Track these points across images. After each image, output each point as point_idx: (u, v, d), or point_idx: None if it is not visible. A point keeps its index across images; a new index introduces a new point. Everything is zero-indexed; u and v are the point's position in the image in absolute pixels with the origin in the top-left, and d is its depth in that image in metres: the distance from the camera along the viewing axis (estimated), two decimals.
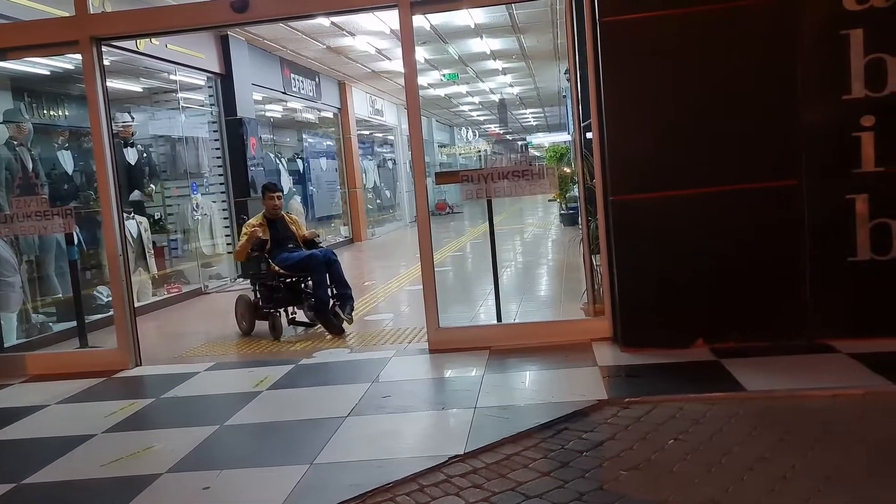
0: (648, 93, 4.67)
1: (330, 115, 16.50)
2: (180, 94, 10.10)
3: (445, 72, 16.16)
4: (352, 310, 6.39)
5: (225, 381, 4.98)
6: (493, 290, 5.66)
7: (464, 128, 32.76)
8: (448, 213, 24.69)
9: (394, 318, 6.86)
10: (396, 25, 5.27)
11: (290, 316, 6.58)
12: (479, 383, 4.36)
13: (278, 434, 3.79)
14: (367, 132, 20.47)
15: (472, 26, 11.95)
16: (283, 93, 13.20)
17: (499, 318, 5.60)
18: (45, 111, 9.06)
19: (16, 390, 5.16)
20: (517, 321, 5.57)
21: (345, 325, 6.23)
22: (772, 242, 4.62)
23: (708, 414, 3.57)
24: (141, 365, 5.53)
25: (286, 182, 14.84)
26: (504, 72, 17.35)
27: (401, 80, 16.66)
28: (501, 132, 37.69)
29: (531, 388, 4.28)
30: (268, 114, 14.89)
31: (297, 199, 14.73)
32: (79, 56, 5.34)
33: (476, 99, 22.92)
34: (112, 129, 5.55)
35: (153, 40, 8.77)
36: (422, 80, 17.07)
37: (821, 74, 4.46)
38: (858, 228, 4.47)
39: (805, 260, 4.57)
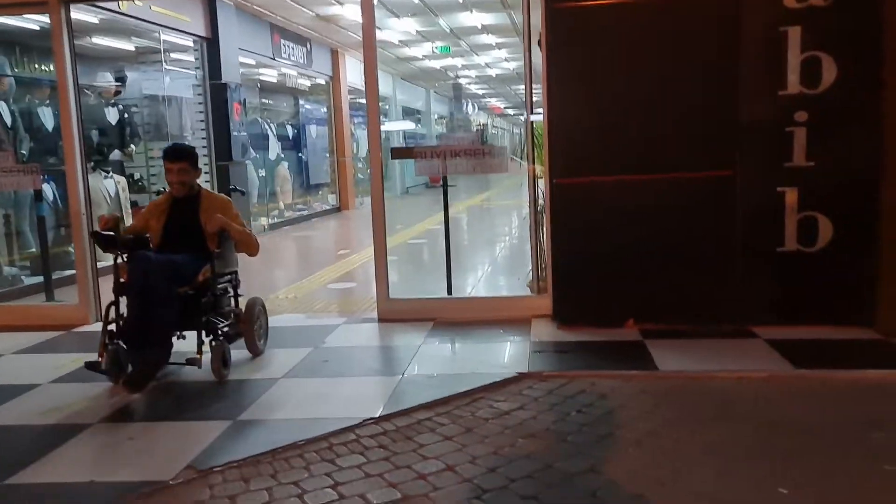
0: (590, 80, 4.81)
1: (321, 82, 16.56)
2: (165, 56, 10.19)
3: (438, 44, 16.19)
4: (145, 374, 3.97)
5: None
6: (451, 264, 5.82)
7: (464, 100, 32.75)
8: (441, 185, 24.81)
9: (355, 287, 7.04)
10: None
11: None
12: (415, 352, 4.56)
13: (211, 391, 3.99)
14: (361, 101, 20.48)
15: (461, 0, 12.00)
16: (272, 58, 13.27)
17: (449, 291, 5.77)
18: (34, 66, 9.14)
19: None
20: (465, 296, 5.75)
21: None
22: (705, 230, 4.78)
23: (616, 390, 3.76)
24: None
25: (275, 148, 14.97)
26: (498, 46, 17.36)
27: (394, 50, 16.84)
28: (503, 107, 37.67)
29: (461, 359, 4.48)
30: (260, 79, 14.97)
31: (285, 164, 14.86)
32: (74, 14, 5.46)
33: (472, 73, 22.91)
34: (78, 89, 5.67)
35: (137, 1, 8.84)
36: (414, 51, 17.12)
37: (760, 69, 4.59)
38: (787, 220, 4.63)
39: (736, 248, 4.74)
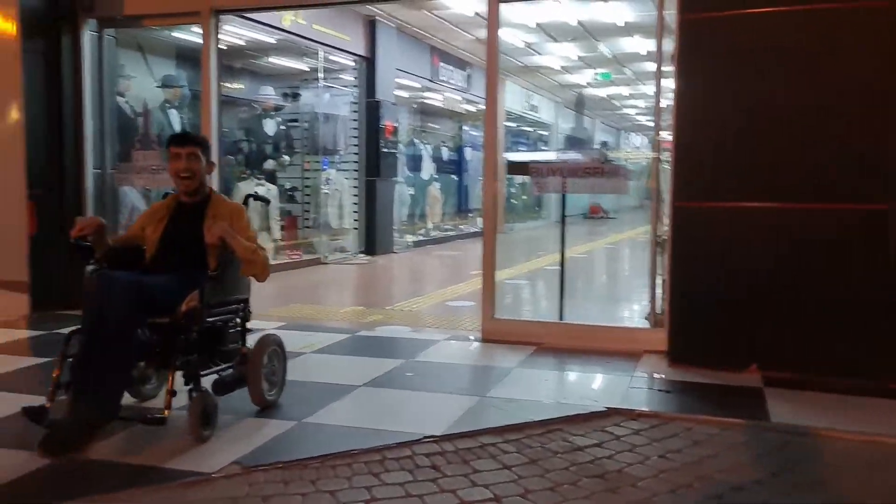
0: (723, 95, 4.38)
1: (481, 107, 16.67)
2: (324, 73, 10.65)
3: (599, 71, 15.82)
4: (68, 437, 2.98)
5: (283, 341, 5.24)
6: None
7: (632, 132, 31.87)
8: (601, 217, 24.21)
9: (473, 306, 6.88)
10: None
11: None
12: (505, 375, 4.32)
13: (291, 391, 3.96)
14: (516, 126, 20.40)
15: (622, 24, 11.62)
16: (430, 80, 13.53)
17: (560, 316, 5.46)
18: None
19: None
20: (573, 322, 5.42)
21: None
22: (851, 271, 4.18)
23: (713, 438, 3.32)
24: None
25: (429, 168, 15.25)
26: (665, 75, 16.65)
27: (556, 76, 16.65)
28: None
29: (550, 387, 4.17)
30: (418, 100, 15.35)
31: (437, 185, 15.06)
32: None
33: (640, 103, 22.23)
34: (220, 96, 5.98)
35: (300, 20, 9.31)
36: (576, 77, 16.85)
37: None
38: None
39: (886, 295, 4.09)
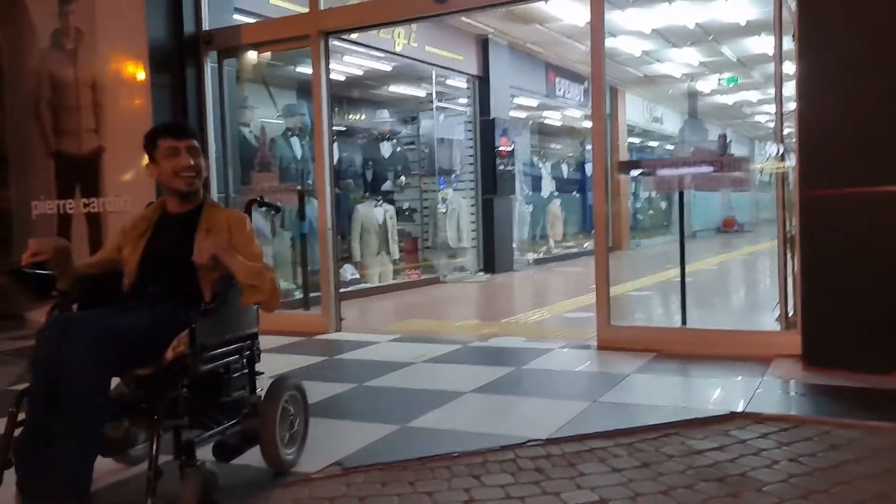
0: (857, 57, 3.98)
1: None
2: (437, 95, 10.77)
3: (725, 75, 15.11)
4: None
5: (394, 351, 5.23)
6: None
7: (767, 142, 30.30)
8: (735, 230, 23.07)
9: (592, 318, 6.63)
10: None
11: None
12: (619, 381, 4.08)
13: (397, 397, 3.92)
14: (639, 141, 19.80)
15: (743, 24, 11.05)
16: (546, 97, 13.39)
17: (683, 321, 5.15)
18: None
19: None
20: (696, 327, 5.08)
21: None
22: None
23: (854, 443, 2.96)
24: (340, 331, 6.03)
25: (548, 186, 15.06)
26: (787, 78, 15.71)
27: (680, 85, 16.08)
28: None
29: (669, 392, 3.90)
30: (535, 119, 15.23)
31: (557, 203, 14.83)
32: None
33: (772, 108, 21.03)
34: (332, 119, 6.12)
35: (412, 42, 9.48)
36: (700, 85, 16.17)
37: None
38: None
39: None
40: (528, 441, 3.10)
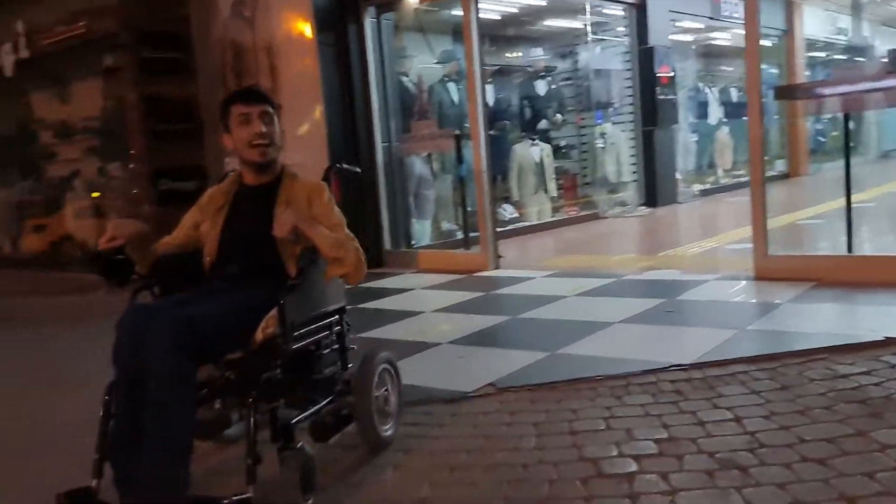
0: None
1: (768, 42, 15.24)
2: (593, 27, 10.61)
3: None
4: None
5: (549, 286, 5.47)
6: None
7: None
8: None
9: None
10: None
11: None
12: (771, 310, 4.10)
13: (548, 328, 4.18)
14: (825, 55, 18.23)
15: None
16: (711, 18, 12.72)
17: (849, 249, 4.97)
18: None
19: (403, 277, 6.43)
20: (862, 254, 4.86)
21: None
22: None
23: None
24: (498, 268, 6.35)
25: (716, 113, 14.39)
26: None
27: None
28: None
29: (821, 320, 3.87)
30: (699, 42, 14.51)
31: (725, 130, 14.16)
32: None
33: None
34: (482, 59, 6.33)
35: None
36: None
37: None
38: None
39: None
40: (671, 366, 3.27)
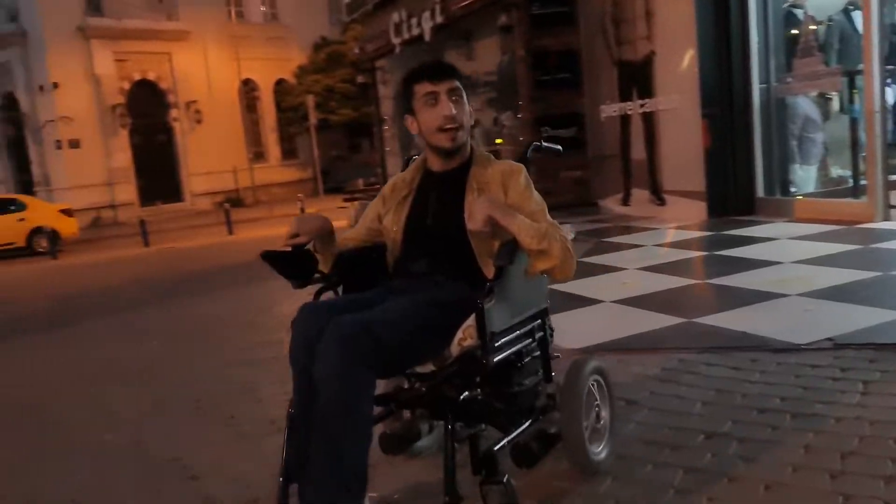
0: None
1: None
2: None
3: None
4: None
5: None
6: None
7: None
8: None
9: None
10: None
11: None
12: None
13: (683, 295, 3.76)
14: None
15: None
16: None
17: None
18: None
19: (773, 226, 6.11)
20: None
21: None
22: None
23: None
24: (888, 220, 5.69)
25: None
26: None
27: None
28: None
29: None
30: None
31: None
32: None
33: None
34: None
35: None
36: None
37: None
38: None
39: None
40: (813, 343, 2.86)
